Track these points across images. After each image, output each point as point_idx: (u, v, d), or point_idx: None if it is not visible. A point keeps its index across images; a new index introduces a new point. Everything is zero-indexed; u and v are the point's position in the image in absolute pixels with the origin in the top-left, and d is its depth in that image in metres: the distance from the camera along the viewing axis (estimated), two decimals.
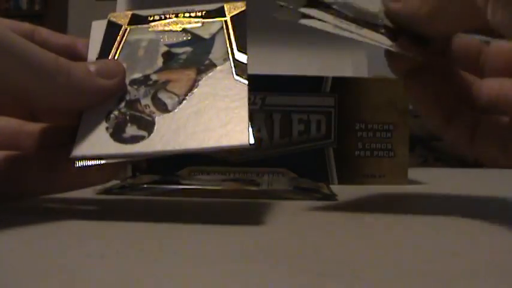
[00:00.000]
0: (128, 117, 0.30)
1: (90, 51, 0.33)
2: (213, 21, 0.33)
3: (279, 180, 0.44)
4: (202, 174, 0.47)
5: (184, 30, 0.33)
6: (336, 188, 0.43)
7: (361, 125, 0.49)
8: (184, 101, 0.30)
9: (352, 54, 0.67)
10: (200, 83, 0.31)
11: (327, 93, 0.48)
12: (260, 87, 0.47)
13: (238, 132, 0.28)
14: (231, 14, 0.33)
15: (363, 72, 0.67)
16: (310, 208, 0.35)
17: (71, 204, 0.34)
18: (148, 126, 0.29)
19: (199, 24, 0.33)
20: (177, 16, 0.34)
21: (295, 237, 0.26)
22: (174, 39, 0.33)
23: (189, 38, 0.33)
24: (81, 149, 0.29)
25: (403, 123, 0.49)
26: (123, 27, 0.34)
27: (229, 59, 0.31)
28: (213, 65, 0.31)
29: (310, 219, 0.31)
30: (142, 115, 0.30)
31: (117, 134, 0.29)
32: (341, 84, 0.49)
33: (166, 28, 0.33)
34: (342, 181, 0.48)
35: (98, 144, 0.29)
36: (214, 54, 0.32)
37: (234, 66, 0.31)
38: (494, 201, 0.40)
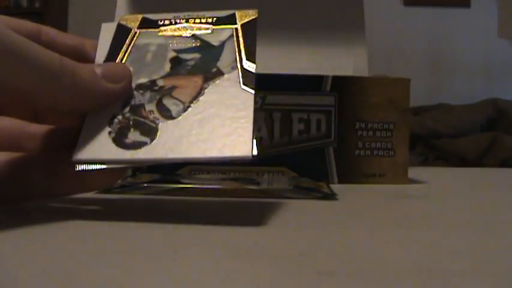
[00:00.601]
0: (131, 122, 0.30)
1: (98, 53, 0.33)
2: (223, 29, 0.33)
3: (279, 180, 0.44)
4: (203, 173, 0.47)
5: (193, 36, 0.33)
6: (336, 187, 0.43)
7: (361, 124, 0.49)
8: (189, 108, 0.30)
9: (353, 53, 0.67)
10: (206, 90, 0.30)
11: (327, 92, 0.48)
12: (260, 86, 0.47)
13: (242, 143, 0.28)
14: (242, 22, 0.33)
15: (363, 71, 0.67)
16: (310, 207, 0.35)
17: (71, 204, 0.34)
18: (151, 132, 0.29)
19: (209, 31, 0.33)
20: (187, 21, 0.34)
21: (295, 236, 0.26)
22: (183, 45, 0.33)
23: (198, 44, 0.33)
24: (82, 153, 0.29)
25: (403, 122, 0.49)
26: (132, 30, 0.34)
27: (237, 68, 0.31)
28: (220, 73, 0.31)
29: (310, 219, 0.31)
30: (146, 121, 0.30)
31: (119, 139, 0.29)
32: (341, 83, 0.49)
33: (176, 33, 0.33)
34: (342, 180, 0.48)
35: (99, 149, 0.29)
36: (223, 62, 0.31)
37: (242, 75, 0.31)
38: (495, 200, 0.40)
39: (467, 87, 2.94)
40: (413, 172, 0.51)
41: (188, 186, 0.39)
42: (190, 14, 0.34)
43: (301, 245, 0.24)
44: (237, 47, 0.32)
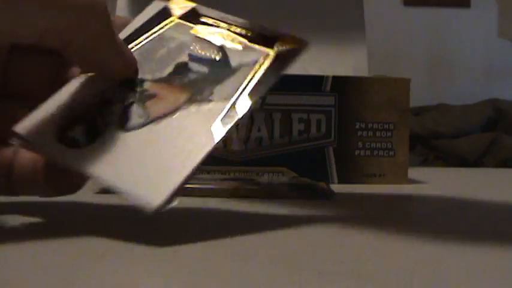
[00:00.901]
0: (86, 116, 0.27)
1: (126, 28, 0.31)
2: (255, 49, 0.29)
3: (279, 180, 0.44)
4: (202, 173, 0.47)
5: (221, 47, 0.29)
6: (336, 187, 0.43)
7: (361, 124, 0.49)
8: (147, 126, 0.26)
9: (353, 53, 0.67)
10: (181, 112, 0.27)
11: (327, 92, 0.48)
12: None
13: (156, 192, 0.24)
14: (280, 49, 0.28)
15: (363, 71, 0.67)
16: (310, 207, 0.35)
17: (69, 204, 0.34)
18: (93, 135, 0.26)
19: (241, 47, 0.29)
20: (228, 29, 0.30)
21: (295, 236, 0.26)
22: (202, 52, 0.29)
23: (217, 57, 0.29)
24: (23, 127, 0.27)
25: (404, 122, 0.49)
26: (171, 17, 0.31)
27: (229, 101, 0.27)
28: (208, 99, 0.27)
29: (310, 219, 0.31)
30: (99, 121, 0.27)
31: (62, 130, 0.27)
32: (341, 83, 0.49)
33: (207, 37, 0.30)
34: (342, 180, 0.48)
35: (39, 132, 0.27)
36: (222, 88, 0.27)
37: (226, 112, 0.26)
38: (494, 201, 0.40)
39: (467, 87, 2.94)
40: (413, 172, 0.51)
41: (188, 186, 0.39)
42: (238, 21, 0.30)
43: (301, 245, 0.24)
44: (252, 76, 0.28)
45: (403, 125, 0.49)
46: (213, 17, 0.31)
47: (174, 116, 0.27)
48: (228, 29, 0.30)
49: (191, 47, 0.30)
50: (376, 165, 0.49)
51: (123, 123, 0.27)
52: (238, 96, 0.27)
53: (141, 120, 0.27)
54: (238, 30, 0.30)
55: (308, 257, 0.22)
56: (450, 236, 0.27)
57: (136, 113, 0.27)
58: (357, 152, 0.49)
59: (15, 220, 0.28)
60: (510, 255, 0.23)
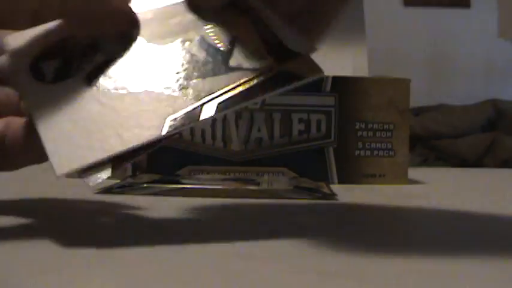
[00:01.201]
0: (68, 53, 0.26)
1: None
2: (263, 57, 0.26)
3: (279, 180, 0.44)
4: (203, 173, 0.47)
5: (234, 40, 0.27)
6: (336, 187, 0.43)
7: (361, 124, 0.49)
8: (111, 90, 0.25)
9: (353, 53, 0.68)
10: (148, 91, 0.26)
11: (327, 92, 0.48)
12: None
13: (67, 159, 0.23)
14: (284, 68, 0.26)
15: (363, 71, 0.67)
16: (310, 208, 0.35)
17: (70, 204, 0.34)
18: (63, 76, 0.25)
19: (252, 48, 0.27)
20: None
21: (295, 236, 0.26)
22: (214, 39, 0.27)
23: (222, 50, 0.27)
24: (12, 38, 0.26)
25: (404, 122, 0.49)
26: None
27: (198, 101, 0.25)
28: (181, 89, 0.25)
29: (310, 219, 0.31)
30: (75, 63, 0.26)
31: (40, 61, 0.26)
32: (341, 83, 0.49)
33: (228, 24, 0.27)
34: (342, 181, 0.48)
35: (22, 47, 0.26)
36: (203, 84, 0.25)
37: (188, 110, 0.25)
38: (494, 201, 0.40)
39: (468, 87, 2.94)
40: (413, 172, 0.51)
41: (188, 186, 0.39)
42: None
43: (301, 245, 0.24)
44: (239, 85, 0.25)
45: (403, 125, 0.49)
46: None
47: (140, 91, 0.25)
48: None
49: (207, 27, 0.27)
50: (376, 165, 0.49)
51: (91, 76, 0.25)
52: (210, 100, 0.25)
53: (109, 82, 0.25)
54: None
55: (308, 257, 0.22)
56: (450, 237, 0.27)
57: (110, 72, 0.26)
58: (357, 152, 0.49)
59: (13, 219, 0.28)
60: (509, 255, 0.23)
